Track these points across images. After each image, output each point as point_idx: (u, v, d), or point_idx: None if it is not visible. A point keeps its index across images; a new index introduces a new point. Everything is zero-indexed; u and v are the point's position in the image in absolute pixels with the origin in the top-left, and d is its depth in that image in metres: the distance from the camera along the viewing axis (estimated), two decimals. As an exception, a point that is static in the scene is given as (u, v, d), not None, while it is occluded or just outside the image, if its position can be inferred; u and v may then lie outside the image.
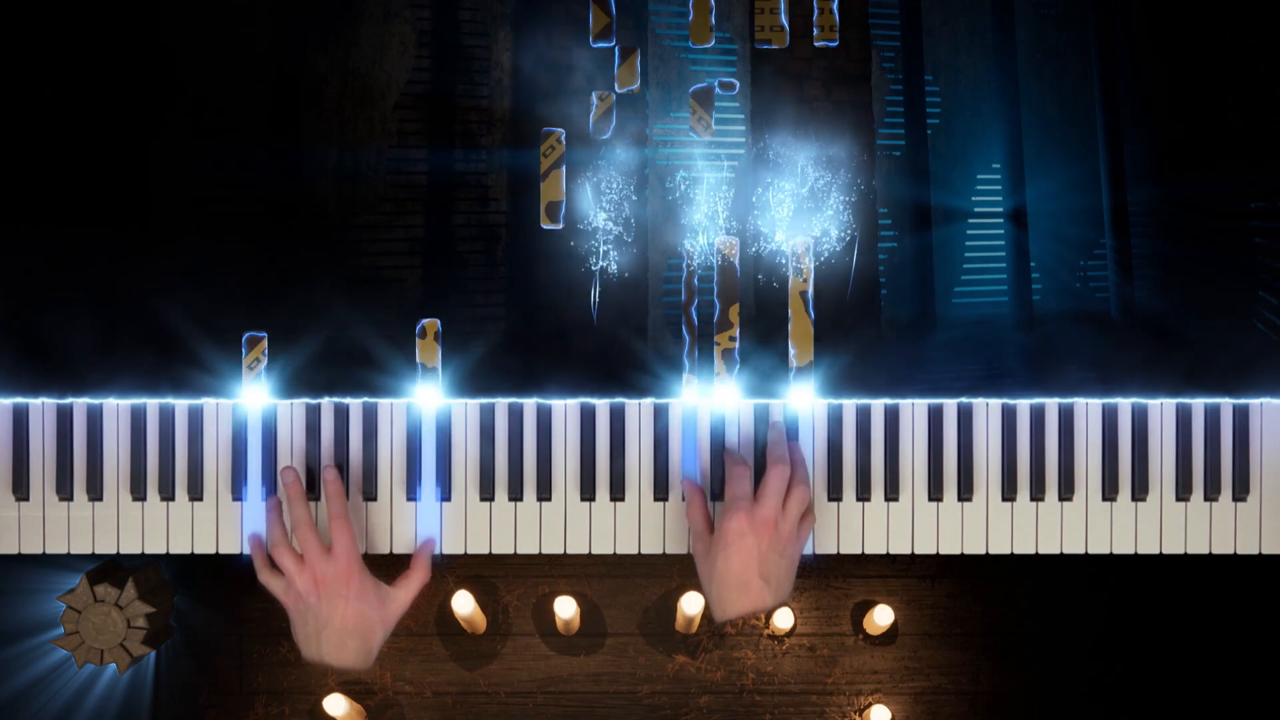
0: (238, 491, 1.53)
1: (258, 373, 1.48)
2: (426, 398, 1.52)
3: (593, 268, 1.52)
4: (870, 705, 1.93)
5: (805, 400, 1.53)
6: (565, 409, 1.53)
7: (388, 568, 1.51)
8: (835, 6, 1.40)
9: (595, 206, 1.42)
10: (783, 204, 1.51)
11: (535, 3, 1.53)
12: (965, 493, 1.54)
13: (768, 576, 1.42)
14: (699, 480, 1.53)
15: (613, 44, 1.48)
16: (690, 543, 1.50)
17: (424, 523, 1.53)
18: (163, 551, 1.53)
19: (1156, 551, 1.54)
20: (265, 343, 1.48)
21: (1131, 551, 1.54)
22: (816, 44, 1.46)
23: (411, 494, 1.53)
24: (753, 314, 1.52)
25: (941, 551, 1.54)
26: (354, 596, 1.45)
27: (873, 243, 1.54)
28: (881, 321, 1.54)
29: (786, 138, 1.52)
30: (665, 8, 1.53)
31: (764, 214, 1.52)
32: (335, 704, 1.83)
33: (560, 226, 1.46)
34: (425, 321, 1.46)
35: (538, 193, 1.51)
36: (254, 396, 1.51)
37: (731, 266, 1.45)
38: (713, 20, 1.45)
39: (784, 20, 1.45)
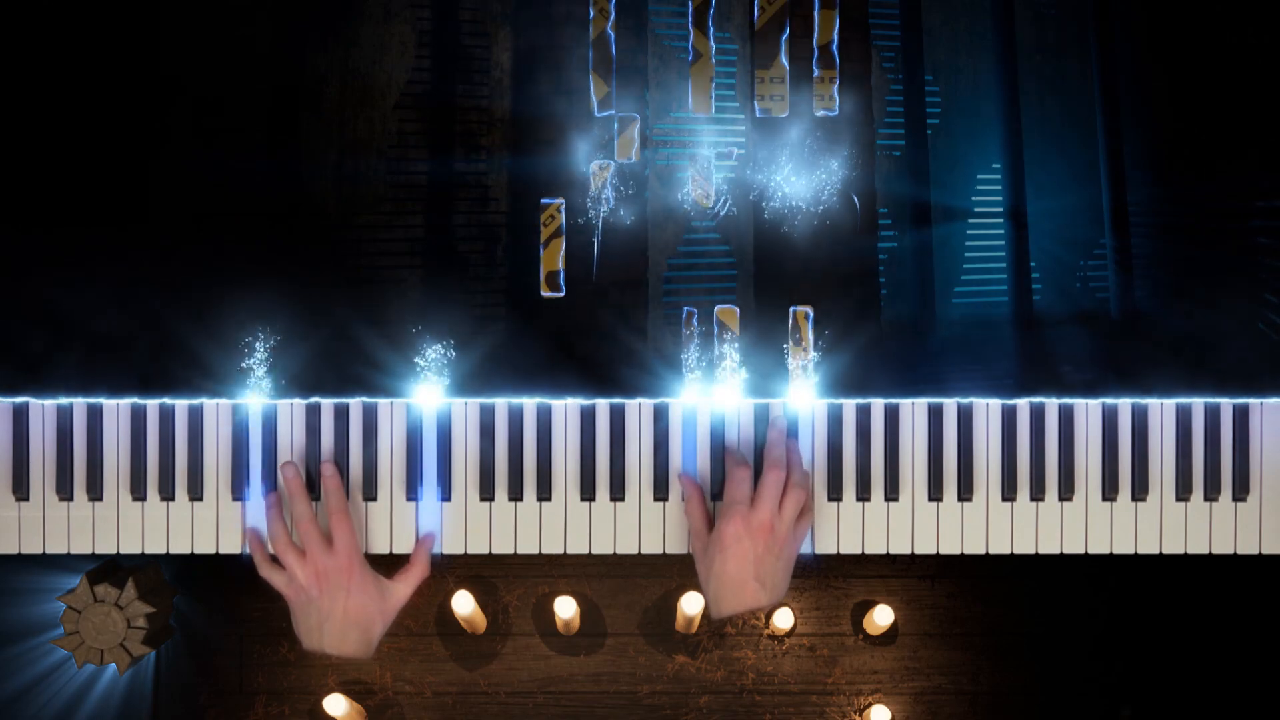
0: (238, 491, 1.53)
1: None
2: (426, 398, 1.52)
3: (592, 269, 1.52)
4: (870, 705, 1.93)
5: (805, 400, 1.53)
6: (565, 409, 1.53)
7: (388, 567, 1.51)
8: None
9: (595, 260, 1.43)
10: (781, 195, 1.51)
11: (535, 3, 1.53)
12: (965, 493, 1.54)
13: (763, 579, 1.43)
14: (698, 480, 1.53)
15: (612, 113, 1.49)
16: (688, 540, 1.50)
17: (424, 523, 1.53)
18: (163, 551, 1.53)
19: (1156, 551, 1.54)
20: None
21: (1131, 551, 1.54)
22: (818, 112, 1.47)
23: (411, 494, 1.53)
24: (754, 311, 1.52)
25: (941, 551, 1.54)
26: (355, 590, 1.45)
27: (872, 241, 1.53)
28: (881, 321, 1.54)
29: (786, 134, 1.52)
30: (665, 7, 1.53)
31: (763, 207, 1.52)
32: (335, 704, 1.84)
33: (562, 294, 1.48)
34: (425, 384, 1.47)
35: (538, 197, 1.51)
36: (254, 396, 1.51)
37: (733, 336, 1.46)
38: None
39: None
